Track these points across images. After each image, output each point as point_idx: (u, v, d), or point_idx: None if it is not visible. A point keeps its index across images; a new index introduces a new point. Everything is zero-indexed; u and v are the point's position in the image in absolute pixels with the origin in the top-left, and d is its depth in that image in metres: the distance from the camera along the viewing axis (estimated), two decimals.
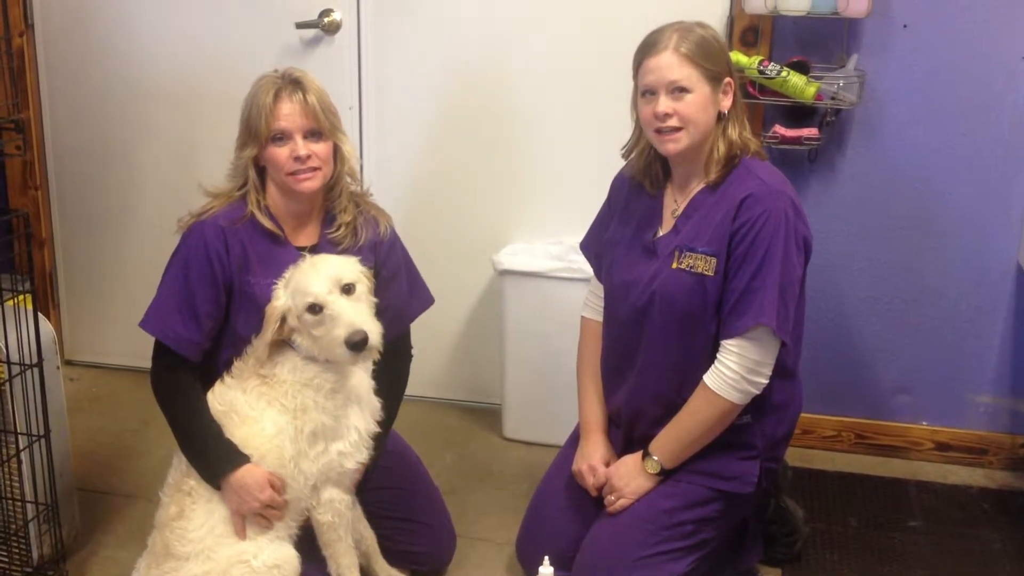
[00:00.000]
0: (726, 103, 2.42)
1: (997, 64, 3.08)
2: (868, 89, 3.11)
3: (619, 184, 2.67)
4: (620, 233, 2.59)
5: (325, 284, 2.26)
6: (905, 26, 3.10)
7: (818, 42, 3.14)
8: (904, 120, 3.16)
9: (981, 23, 3.06)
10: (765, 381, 2.41)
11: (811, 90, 3.01)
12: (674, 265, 2.44)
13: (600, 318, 2.67)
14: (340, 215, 2.52)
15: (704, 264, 2.40)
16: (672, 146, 2.43)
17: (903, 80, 3.13)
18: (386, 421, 2.53)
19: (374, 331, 2.25)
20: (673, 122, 2.39)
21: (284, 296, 2.31)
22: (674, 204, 2.51)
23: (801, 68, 3.05)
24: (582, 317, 2.74)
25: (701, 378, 2.42)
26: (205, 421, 2.36)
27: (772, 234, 2.33)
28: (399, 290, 2.62)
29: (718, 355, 2.40)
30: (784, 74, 3.01)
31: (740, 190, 2.38)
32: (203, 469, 2.34)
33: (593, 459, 2.60)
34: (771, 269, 2.33)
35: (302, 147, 2.41)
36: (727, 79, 2.41)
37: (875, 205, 3.24)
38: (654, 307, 2.46)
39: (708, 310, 2.41)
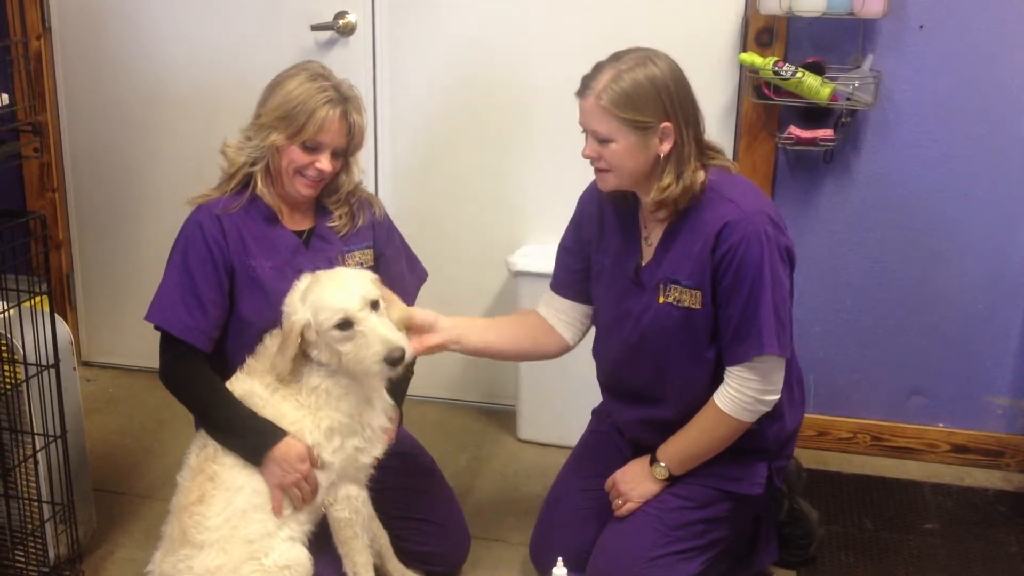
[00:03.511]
0: (664, 148, 2.30)
1: (1014, 64, 3.07)
2: (884, 90, 3.10)
3: (588, 208, 2.58)
4: (600, 264, 2.54)
5: (356, 300, 2.26)
6: (921, 27, 3.08)
7: (833, 43, 3.12)
8: (920, 121, 3.15)
9: (998, 23, 3.04)
10: (777, 397, 2.41)
11: (826, 91, 3.00)
12: (661, 299, 2.41)
13: (558, 325, 2.65)
14: (335, 207, 2.58)
15: (690, 298, 2.37)
16: (602, 184, 2.41)
17: (919, 81, 3.12)
18: (400, 391, 2.60)
19: (408, 346, 2.27)
20: (601, 164, 2.36)
21: (303, 310, 2.30)
22: (645, 231, 2.47)
23: (816, 69, 3.04)
24: (534, 310, 2.70)
25: (704, 401, 2.42)
26: (235, 401, 2.38)
27: (757, 259, 2.29)
28: (400, 267, 2.69)
29: (727, 380, 2.39)
30: (799, 75, 3.00)
31: (715, 218, 2.31)
32: (242, 447, 2.35)
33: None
34: (763, 294, 2.30)
35: (328, 164, 2.47)
36: (664, 124, 2.28)
37: (891, 206, 3.23)
38: (647, 343, 2.45)
39: (701, 341, 2.39)
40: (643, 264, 2.46)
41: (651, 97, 2.27)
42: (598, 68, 2.32)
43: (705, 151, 2.39)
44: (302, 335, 2.30)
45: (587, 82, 2.32)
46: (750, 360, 2.34)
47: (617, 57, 2.32)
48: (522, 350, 2.66)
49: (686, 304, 2.38)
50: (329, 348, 2.30)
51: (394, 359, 2.23)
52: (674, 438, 2.48)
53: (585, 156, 2.38)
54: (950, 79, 3.11)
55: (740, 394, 2.36)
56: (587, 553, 2.53)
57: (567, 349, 2.68)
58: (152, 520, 2.90)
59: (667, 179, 2.32)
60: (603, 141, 2.31)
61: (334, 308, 2.25)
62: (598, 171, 2.39)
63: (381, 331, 2.24)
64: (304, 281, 2.36)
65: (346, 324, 2.25)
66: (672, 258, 2.39)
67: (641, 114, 2.27)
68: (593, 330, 2.68)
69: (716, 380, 2.42)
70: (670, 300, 2.40)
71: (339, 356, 2.29)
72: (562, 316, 2.64)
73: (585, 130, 2.35)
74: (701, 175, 2.34)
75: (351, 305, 2.25)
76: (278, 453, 2.32)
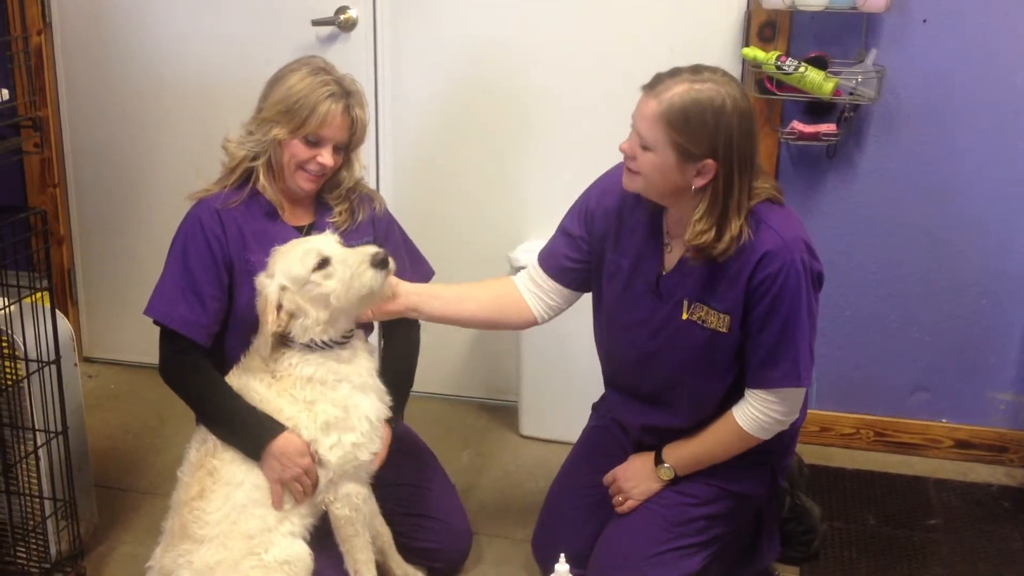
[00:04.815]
0: (698, 182, 2.21)
1: (1018, 58, 3.06)
2: (887, 84, 3.09)
3: (605, 201, 2.48)
4: (616, 264, 2.48)
5: (328, 242, 2.32)
6: (924, 21, 3.07)
7: (836, 37, 3.11)
8: (923, 115, 3.14)
9: (1001, 17, 3.04)
10: (796, 416, 2.41)
11: (829, 86, 2.99)
12: (684, 316, 2.37)
13: (531, 300, 2.58)
14: (335, 203, 2.58)
15: (717, 321, 2.33)
16: (627, 183, 2.33)
17: (922, 75, 3.11)
18: (404, 390, 2.60)
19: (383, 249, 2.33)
20: (632, 165, 2.29)
21: (274, 282, 2.31)
22: (667, 237, 2.40)
23: (819, 64, 3.03)
24: (511, 278, 2.64)
25: (716, 412, 2.42)
26: (234, 395, 2.38)
27: (795, 290, 2.25)
28: (400, 263, 2.64)
29: (750, 400, 2.37)
30: (802, 70, 2.99)
31: (754, 245, 2.25)
32: (241, 442, 2.35)
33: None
34: (799, 327, 2.27)
35: (330, 159, 2.47)
36: (707, 161, 2.18)
37: (894, 201, 3.22)
38: (663, 355, 2.42)
39: (722, 362, 2.37)
40: (664, 273, 2.41)
41: (708, 130, 2.17)
42: (674, 74, 2.21)
43: (751, 196, 2.27)
44: (280, 306, 2.31)
45: (656, 83, 2.22)
46: (779, 388, 2.33)
47: (697, 71, 2.21)
48: (485, 321, 2.62)
49: (712, 326, 2.34)
50: (315, 301, 2.30)
51: (379, 261, 2.27)
52: (684, 443, 2.47)
53: (621, 149, 2.31)
54: (953, 73, 3.10)
55: (763, 415, 2.35)
56: (590, 549, 2.53)
57: (533, 324, 2.63)
58: (154, 516, 2.89)
59: (703, 223, 2.23)
60: (644, 146, 2.24)
61: (307, 251, 2.30)
62: (627, 170, 2.32)
63: (357, 251, 2.30)
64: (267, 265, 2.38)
65: (324, 263, 2.28)
66: (701, 277, 2.33)
67: (689, 141, 2.17)
68: (574, 320, 2.65)
69: (730, 393, 2.41)
70: (695, 319, 2.36)
71: (327, 300, 2.29)
72: (540, 293, 2.58)
73: (633, 124, 2.27)
74: (745, 227, 2.25)
75: (323, 245, 2.30)
76: (276, 448, 2.31)
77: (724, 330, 2.33)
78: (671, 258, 2.40)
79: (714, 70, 2.23)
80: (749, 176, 2.24)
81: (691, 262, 2.32)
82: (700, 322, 2.36)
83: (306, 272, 2.28)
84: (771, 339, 2.29)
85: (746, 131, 2.21)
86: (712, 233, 2.23)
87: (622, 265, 2.46)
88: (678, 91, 2.18)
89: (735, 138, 2.19)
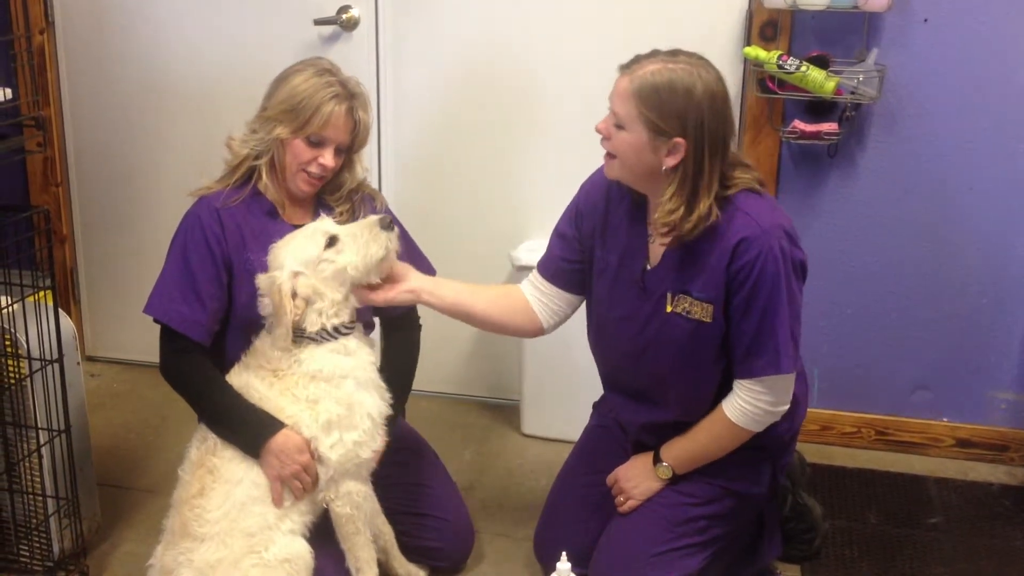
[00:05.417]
0: (669, 162, 2.23)
1: (1018, 58, 3.06)
2: (888, 83, 3.09)
3: (592, 198, 2.51)
4: (604, 261, 2.49)
5: (328, 223, 2.37)
6: (926, 20, 3.08)
7: (838, 36, 3.12)
8: (924, 114, 3.14)
9: (1002, 16, 3.04)
10: (787, 407, 2.40)
11: (831, 85, 2.99)
12: (668, 309, 2.38)
13: (537, 307, 2.59)
14: (336, 204, 2.59)
15: (700, 311, 2.34)
16: (608, 171, 2.36)
17: (923, 74, 3.11)
18: (404, 390, 2.62)
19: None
20: (608, 146, 2.32)
21: (285, 270, 2.31)
22: (651, 228, 2.40)
23: (821, 63, 3.03)
24: (517, 285, 2.64)
25: (708, 406, 2.42)
26: (233, 393, 2.38)
27: (773, 276, 2.25)
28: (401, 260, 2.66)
29: (737, 392, 2.37)
30: (803, 69, 3.00)
31: (732, 232, 2.26)
32: (241, 439, 2.35)
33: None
34: (780, 313, 2.28)
35: (331, 160, 2.48)
36: (677, 140, 2.21)
37: (895, 200, 3.22)
38: (651, 350, 2.43)
39: (708, 353, 2.37)
40: (649, 268, 2.42)
41: (678, 107, 2.20)
42: (651, 55, 2.27)
43: (728, 184, 2.29)
44: (295, 294, 2.31)
45: (632, 63, 2.27)
46: (764, 376, 2.33)
47: (674, 54, 2.26)
48: (495, 321, 2.58)
49: (696, 316, 2.35)
50: (331, 279, 2.32)
51: (387, 224, 2.33)
52: (679, 440, 2.47)
53: (597, 129, 2.33)
54: (954, 73, 3.10)
55: (751, 407, 2.36)
56: (591, 547, 2.53)
57: (541, 333, 2.63)
58: (156, 515, 2.89)
59: (673, 202, 2.25)
60: (618, 125, 2.27)
61: (313, 232, 2.33)
62: (606, 156, 2.35)
63: (359, 223, 2.36)
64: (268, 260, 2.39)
65: (332, 240, 2.32)
66: (683, 268, 2.35)
67: (660, 118, 2.20)
68: (575, 319, 2.65)
69: (721, 385, 2.41)
70: (679, 311, 2.37)
71: (344, 275, 2.32)
72: (544, 300, 2.59)
73: (609, 104, 2.31)
74: (714, 207, 2.26)
75: (326, 226, 2.34)
76: (275, 445, 2.32)
77: (708, 320, 2.34)
78: (655, 251, 2.41)
79: (691, 54, 2.27)
80: (720, 158, 2.26)
81: (660, 241, 2.34)
82: (684, 313, 2.36)
83: (318, 251, 2.30)
84: (752, 327, 2.30)
85: (718, 113, 2.23)
86: (681, 212, 2.25)
87: (610, 261, 2.48)
88: (651, 69, 2.23)
89: (706, 118, 2.21)
